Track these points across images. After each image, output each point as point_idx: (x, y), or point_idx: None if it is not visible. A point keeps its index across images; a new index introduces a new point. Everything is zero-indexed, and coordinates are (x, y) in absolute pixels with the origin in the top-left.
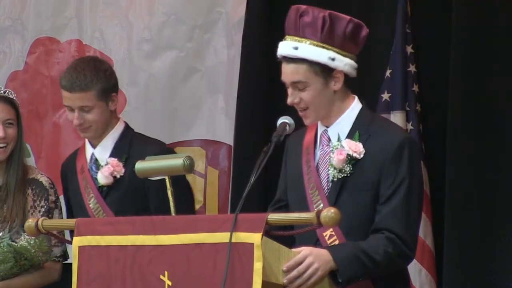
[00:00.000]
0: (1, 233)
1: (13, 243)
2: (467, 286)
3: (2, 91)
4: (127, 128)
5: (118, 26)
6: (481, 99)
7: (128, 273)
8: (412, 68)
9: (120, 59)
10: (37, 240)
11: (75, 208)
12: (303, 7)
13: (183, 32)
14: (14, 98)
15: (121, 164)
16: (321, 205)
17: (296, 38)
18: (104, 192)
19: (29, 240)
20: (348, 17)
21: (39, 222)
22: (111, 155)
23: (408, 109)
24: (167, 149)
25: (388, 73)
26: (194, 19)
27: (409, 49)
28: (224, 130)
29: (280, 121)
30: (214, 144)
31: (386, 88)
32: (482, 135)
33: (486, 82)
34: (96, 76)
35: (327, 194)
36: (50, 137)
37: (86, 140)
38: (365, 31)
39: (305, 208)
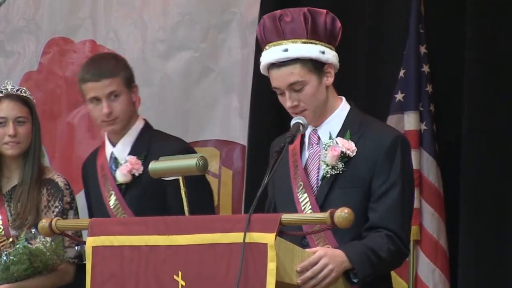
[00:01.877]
0: (14, 231)
1: (29, 245)
2: (482, 287)
3: (15, 89)
4: (147, 125)
5: (132, 26)
6: (495, 99)
7: (142, 273)
8: (425, 68)
9: (134, 59)
10: (52, 243)
11: (95, 206)
12: (277, 12)
13: (197, 32)
14: (29, 96)
15: (139, 162)
16: (308, 204)
17: (281, 41)
18: (123, 189)
19: (44, 242)
20: (324, 11)
21: (53, 222)
22: (130, 153)
23: (421, 109)
24: (188, 148)
25: (401, 73)
26: (208, 20)
27: (423, 49)
28: (238, 131)
29: (293, 121)
30: (228, 145)
31: (399, 88)
32: (496, 135)
33: (501, 82)
34: (119, 64)
35: (315, 193)
36: (64, 137)
37: (106, 139)
38: (339, 23)
39: (292, 208)
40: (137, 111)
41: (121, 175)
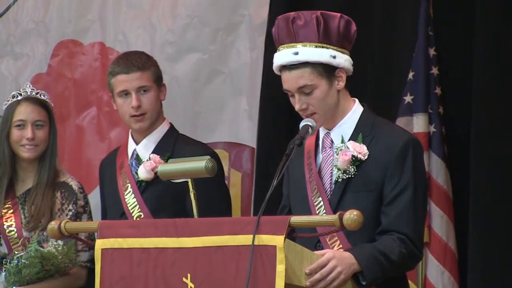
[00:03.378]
0: (26, 233)
1: (41, 248)
2: None
3: (34, 93)
4: (173, 128)
5: (141, 29)
6: (504, 100)
7: (151, 275)
8: (434, 70)
9: None
10: (65, 247)
11: (110, 204)
12: (292, 13)
13: (206, 35)
14: (47, 100)
15: (163, 162)
16: (323, 208)
17: (293, 44)
18: (142, 187)
19: (56, 246)
20: (338, 14)
21: (62, 225)
22: (154, 152)
23: (430, 111)
24: (211, 152)
25: (410, 75)
26: (217, 22)
27: (432, 52)
28: (247, 133)
29: (302, 123)
30: (237, 147)
31: (408, 90)
32: (506, 137)
33: (510, 84)
34: (150, 59)
35: (329, 196)
36: (73, 140)
37: (130, 137)
38: (354, 26)
39: (307, 211)
40: (163, 113)
41: (144, 171)
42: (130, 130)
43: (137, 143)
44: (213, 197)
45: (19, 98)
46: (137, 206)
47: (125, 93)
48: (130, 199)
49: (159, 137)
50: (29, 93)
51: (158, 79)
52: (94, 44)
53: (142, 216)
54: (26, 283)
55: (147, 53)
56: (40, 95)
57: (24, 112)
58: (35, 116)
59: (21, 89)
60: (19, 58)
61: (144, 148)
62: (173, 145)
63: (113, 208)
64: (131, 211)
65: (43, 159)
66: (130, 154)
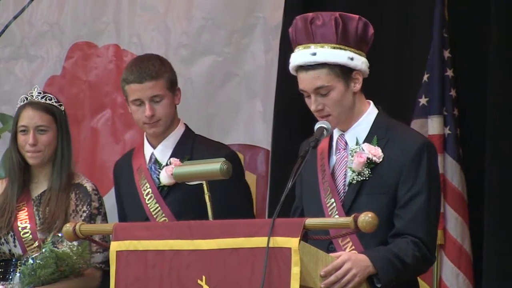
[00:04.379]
0: (41, 234)
1: (55, 249)
2: None
3: (40, 96)
4: (188, 129)
5: (156, 31)
6: None
7: (166, 278)
8: (449, 72)
9: None
10: (79, 247)
11: (130, 209)
12: (310, 14)
13: (221, 37)
14: (54, 103)
15: None
16: (335, 209)
17: (310, 44)
18: (164, 192)
19: (71, 246)
20: (356, 16)
21: (77, 227)
22: (172, 155)
23: (445, 113)
24: (230, 153)
25: (425, 77)
26: (232, 24)
27: (447, 54)
28: (261, 135)
29: (317, 125)
30: (251, 149)
31: (423, 92)
32: None
33: None
34: (163, 66)
35: (342, 198)
36: (87, 142)
37: (145, 140)
38: (371, 29)
39: (319, 212)
40: (177, 115)
41: (166, 176)
42: (145, 133)
43: (153, 147)
44: (234, 197)
45: (25, 102)
46: (160, 210)
47: (139, 102)
48: (152, 204)
49: (176, 139)
50: (34, 97)
51: (172, 85)
52: (108, 47)
53: (167, 220)
54: (40, 283)
55: (161, 58)
56: (46, 99)
57: (26, 118)
58: (37, 121)
59: (28, 93)
60: (34, 60)
61: (161, 152)
62: (191, 147)
63: (134, 213)
64: (154, 216)
65: (55, 162)
66: (147, 157)
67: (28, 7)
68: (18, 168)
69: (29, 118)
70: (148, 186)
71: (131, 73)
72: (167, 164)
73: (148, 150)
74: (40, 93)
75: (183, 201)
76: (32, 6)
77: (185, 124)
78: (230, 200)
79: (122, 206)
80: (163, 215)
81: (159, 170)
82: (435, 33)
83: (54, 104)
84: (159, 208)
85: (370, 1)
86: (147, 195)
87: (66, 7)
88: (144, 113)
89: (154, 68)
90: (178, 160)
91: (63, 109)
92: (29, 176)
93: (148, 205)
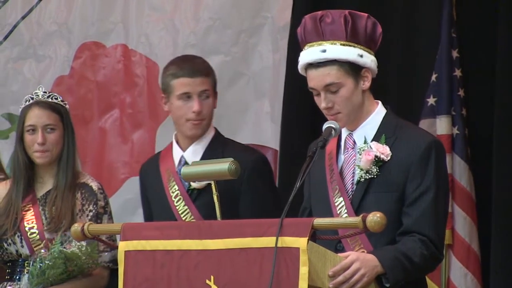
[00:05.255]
0: (48, 234)
1: (64, 249)
2: None
3: (46, 96)
4: (218, 133)
5: (164, 31)
6: None
7: (174, 278)
8: (457, 72)
9: (165, 64)
10: (88, 248)
11: (157, 210)
12: (319, 12)
13: (229, 37)
14: (60, 102)
15: None
16: (344, 208)
17: (320, 42)
18: (194, 195)
19: (80, 247)
20: (365, 14)
21: (85, 227)
22: (202, 158)
23: (453, 113)
24: (261, 157)
25: (433, 77)
26: (239, 24)
27: (455, 54)
28: (269, 135)
29: (325, 125)
30: (260, 149)
31: (431, 92)
32: None
33: None
34: (211, 67)
35: (350, 197)
36: (95, 142)
37: (174, 143)
38: (380, 28)
39: (327, 211)
40: None
41: None
42: (174, 135)
43: (183, 149)
44: (265, 200)
45: (31, 102)
46: (189, 213)
47: (187, 96)
48: (181, 206)
49: (206, 142)
50: (40, 97)
51: (215, 87)
52: (116, 46)
53: None
54: (49, 284)
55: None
56: (52, 98)
57: (34, 117)
58: (45, 120)
59: (33, 93)
60: (42, 60)
61: (192, 154)
62: (222, 150)
63: (162, 216)
64: (183, 217)
65: (61, 161)
66: (176, 160)
67: (36, 7)
68: (24, 168)
69: (37, 117)
70: (177, 188)
71: (181, 68)
72: None
73: (177, 152)
74: (46, 92)
75: (212, 204)
76: (40, 6)
77: (215, 128)
78: (263, 205)
79: (150, 209)
80: (192, 217)
81: None
82: (443, 33)
83: (60, 103)
84: (187, 210)
85: (378, 1)
86: (175, 197)
87: (74, 7)
88: (191, 109)
89: (205, 65)
90: None
91: (67, 108)
92: (34, 176)
93: (177, 207)
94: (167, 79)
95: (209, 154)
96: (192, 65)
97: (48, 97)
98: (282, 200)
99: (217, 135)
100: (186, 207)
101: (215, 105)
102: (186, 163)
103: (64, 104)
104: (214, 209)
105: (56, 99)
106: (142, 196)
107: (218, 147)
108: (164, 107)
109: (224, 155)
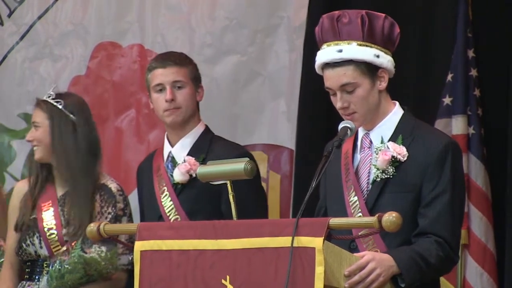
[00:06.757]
0: (66, 237)
1: (84, 254)
2: None
3: (47, 96)
4: (208, 130)
5: (180, 31)
6: None
7: (190, 277)
8: (473, 72)
9: None
10: (108, 253)
11: (147, 207)
12: (336, 12)
13: (245, 37)
14: (52, 101)
15: (198, 164)
16: (358, 206)
17: (337, 42)
18: (178, 190)
19: (99, 252)
20: (383, 15)
21: (101, 227)
22: (189, 154)
23: (469, 113)
24: (245, 153)
25: (449, 77)
26: (255, 24)
27: (471, 53)
28: (285, 135)
29: (341, 125)
30: (276, 149)
31: (447, 92)
32: None
33: None
34: (188, 59)
35: (365, 196)
36: (111, 142)
37: (166, 140)
38: (397, 28)
39: (342, 210)
40: (199, 116)
41: (180, 173)
42: (165, 133)
43: (172, 146)
44: (248, 200)
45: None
46: (174, 209)
47: (160, 88)
48: (167, 202)
49: (194, 138)
50: (46, 98)
51: (195, 79)
52: (133, 46)
53: (179, 219)
54: (68, 287)
55: (186, 55)
56: (46, 98)
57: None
58: (34, 117)
59: (46, 95)
60: (58, 60)
61: (179, 150)
62: (208, 146)
63: (150, 211)
64: (168, 214)
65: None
66: (165, 156)
67: (52, 7)
68: (35, 167)
69: (37, 116)
70: (164, 185)
71: (156, 60)
72: (182, 162)
73: (167, 149)
74: (51, 94)
75: (196, 199)
76: (56, 6)
77: (205, 125)
78: (243, 202)
79: (143, 207)
80: (176, 213)
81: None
82: (459, 33)
83: (52, 102)
84: (172, 206)
85: (394, 1)
86: (162, 193)
87: (90, 7)
88: (165, 98)
89: (179, 56)
90: (193, 159)
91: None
92: (53, 176)
93: (163, 203)
94: (146, 75)
95: (195, 150)
96: (166, 57)
97: (49, 96)
98: (298, 200)
99: (206, 131)
100: (171, 202)
101: (199, 98)
102: (173, 159)
103: (59, 105)
104: (197, 205)
105: (53, 98)
106: (139, 195)
107: (205, 143)
108: (151, 106)
109: (209, 151)
